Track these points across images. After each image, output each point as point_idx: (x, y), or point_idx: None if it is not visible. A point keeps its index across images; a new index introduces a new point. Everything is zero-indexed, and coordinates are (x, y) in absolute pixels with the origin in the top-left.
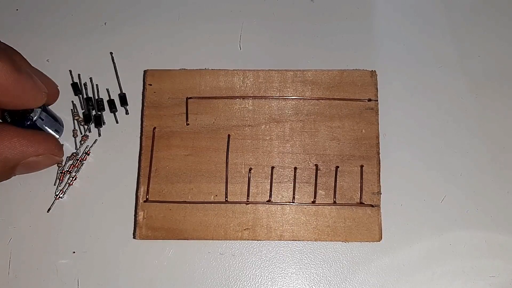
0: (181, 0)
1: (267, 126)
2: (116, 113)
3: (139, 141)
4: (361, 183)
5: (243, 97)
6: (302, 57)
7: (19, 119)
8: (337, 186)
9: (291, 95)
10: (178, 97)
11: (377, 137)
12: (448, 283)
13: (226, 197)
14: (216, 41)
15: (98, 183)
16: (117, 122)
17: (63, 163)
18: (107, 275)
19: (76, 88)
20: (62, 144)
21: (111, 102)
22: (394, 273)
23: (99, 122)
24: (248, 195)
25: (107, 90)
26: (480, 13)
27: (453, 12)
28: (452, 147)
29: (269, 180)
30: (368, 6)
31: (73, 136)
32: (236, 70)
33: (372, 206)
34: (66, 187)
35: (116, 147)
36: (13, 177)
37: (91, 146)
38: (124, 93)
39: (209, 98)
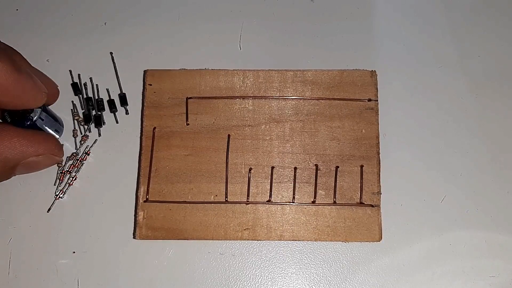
0: (181, 0)
1: (267, 126)
2: (116, 113)
3: (139, 141)
4: (361, 183)
5: (243, 97)
6: (302, 57)
7: (19, 119)
8: (337, 186)
9: (291, 95)
10: (178, 97)
11: (377, 137)
12: (448, 283)
13: (226, 197)
14: (216, 41)
15: (98, 183)
16: (117, 122)
17: (63, 163)
18: (107, 275)
19: (76, 88)
20: (62, 144)
21: (111, 102)
22: (394, 273)
23: (99, 122)
24: (248, 195)
25: (107, 90)
26: (480, 13)
27: (453, 12)
28: (452, 147)
29: (269, 180)
30: (368, 6)
31: (73, 136)
32: (236, 70)
33: (372, 206)
34: (66, 187)
35: (116, 147)
36: (13, 177)
37: (91, 146)
38: (124, 93)
39: (209, 98)
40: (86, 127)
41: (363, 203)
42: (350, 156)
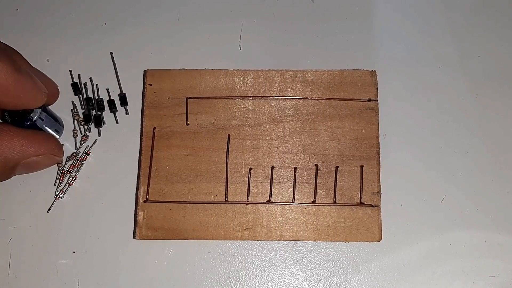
0: (181, 0)
1: (267, 126)
2: (116, 113)
3: (139, 141)
4: (361, 183)
5: (243, 97)
6: (302, 57)
7: (19, 119)
8: (337, 186)
9: (291, 95)
10: (178, 97)
11: (377, 137)
12: (448, 283)
13: (226, 197)
14: (216, 41)
15: (98, 183)
16: (117, 122)
17: (63, 163)
18: (107, 275)
19: (76, 88)
20: (62, 144)
21: (111, 102)
22: (394, 273)
23: (99, 122)
24: (248, 195)
25: (107, 90)
26: (480, 13)
27: (453, 12)
28: (452, 147)
29: (269, 180)
30: (368, 6)
31: (73, 136)
32: (236, 70)
33: (372, 206)
34: (66, 187)
35: (116, 147)
36: (13, 177)
37: (91, 146)
38: (124, 93)
39: (209, 98)
40: (86, 127)
41: (363, 203)
42: (350, 156)
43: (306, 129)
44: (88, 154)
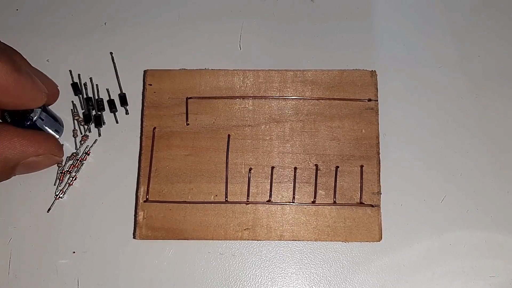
0: (181, 0)
1: (267, 126)
2: (116, 113)
3: (139, 141)
4: (361, 183)
5: (243, 97)
6: (302, 57)
7: (19, 119)
8: (337, 186)
9: (291, 95)
10: (178, 97)
11: (377, 137)
12: (448, 283)
13: (226, 197)
14: (216, 41)
15: (98, 183)
16: (117, 122)
17: (63, 163)
18: (107, 275)
19: (76, 88)
20: (62, 144)
21: (111, 102)
22: (394, 273)
23: (99, 122)
24: (248, 195)
25: (107, 90)
26: (480, 13)
27: (453, 12)
28: (452, 147)
29: (269, 180)
30: (368, 6)
31: (73, 136)
32: (236, 70)
33: (372, 206)
34: (66, 187)
35: (116, 147)
36: (13, 177)
37: (91, 146)
38: (124, 93)
39: (209, 98)
40: (86, 127)
41: (363, 203)
42: (350, 156)
43: (306, 129)
44: (88, 154)
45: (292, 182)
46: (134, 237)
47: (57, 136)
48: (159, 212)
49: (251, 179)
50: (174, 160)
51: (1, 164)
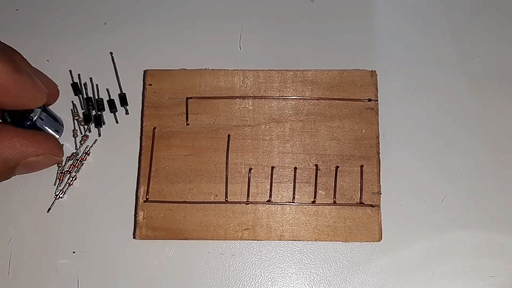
0: (181, 0)
1: (267, 126)
2: (116, 113)
3: (139, 141)
4: (361, 183)
5: (243, 97)
6: (302, 57)
7: (19, 119)
8: (337, 186)
9: (291, 95)
10: (178, 97)
11: (377, 137)
12: (448, 283)
13: (226, 197)
14: (216, 41)
15: (98, 183)
16: (117, 122)
17: (63, 163)
18: (107, 275)
19: (76, 88)
20: (62, 144)
21: (111, 102)
22: (394, 273)
23: (99, 122)
24: (248, 195)
25: (107, 90)
26: (480, 13)
27: (453, 12)
28: (452, 147)
29: (269, 180)
30: (368, 6)
31: (73, 136)
32: (236, 70)
33: (372, 206)
34: (66, 187)
35: (116, 147)
36: (13, 177)
37: (91, 146)
38: (124, 93)
39: (209, 98)
40: (86, 127)
41: (363, 203)
42: (350, 156)
43: (306, 129)
44: (88, 154)
45: (292, 182)
46: (134, 237)
47: (57, 136)
48: (159, 212)
49: (251, 179)
50: (174, 160)
51: (1, 164)
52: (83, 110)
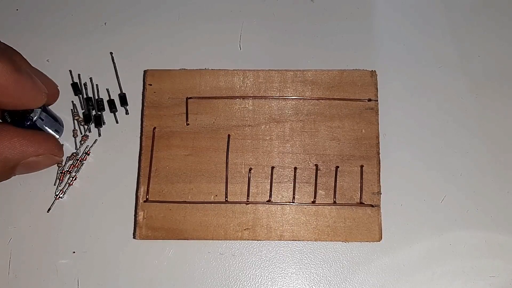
0: (181, 0)
1: (267, 126)
2: (116, 113)
3: (139, 141)
4: (361, 183)
5: (243, 97)
6: (302, 57)
7: (19, 119)
8: (337, 186)
9: (291, 95)
10: (178, 97)
11: (377, 137)
12: (448, 283)
13: (226, 197)
14: (216, 41)
15: (98, 183)
16: (117, 122)
17: (63, 163)
18: (107, 275)
19: (76, 88)
20: (62, 144)
21: (111, 102)
22: (394, 273)
23: (99, 122)
24: (248, 195)
25: (107, 90)
26: (480, 13)
27: (453, 12)
28: (452, 147)
29: (269, 180)
30: (368, 6)
31: (73, 136)
32: (236, 70)
33: (372, 206)
34: (66, 187)
35: (116, 147)
36: (13, 177)
37: (91, 146)
38: (124, 93)
39: (209, 98)
40: (86, 127)
41: (363, 203)
42: (350, 156)
43: (306, 129)
44: (88, 154)
45: (292, 182)
46: (134, 237)
47: (57, 136)
48: (159, 212)
49: (251, 179)
50: (174, 160)
51: (1, 164)
52: (83, 110)
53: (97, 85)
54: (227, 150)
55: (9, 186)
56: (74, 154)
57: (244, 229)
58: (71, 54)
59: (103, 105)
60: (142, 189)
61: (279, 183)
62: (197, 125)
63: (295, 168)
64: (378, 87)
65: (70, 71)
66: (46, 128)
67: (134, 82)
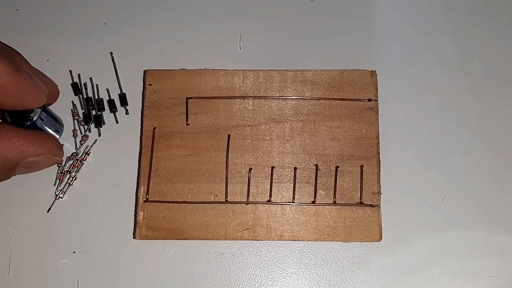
0: (181, 0)
1: (267, 126)
2: (116, 113)
3: (139, 141)
4: (361, 183)
5: (243, 97)
6: (302, 57)
7: (19, 119)
8: (337, 186)
9: (291, 95)
10: (178, 97)
11: (377, 137)
12: (448, 283)
13: (226, 197)
14: (216, 41)
15: (98, 183)
16: (117, 122)
17: (63, 163)
18: (107, 275)
19: (76, 88)
20: (62, 144)
21: (111, 102)
22: (394, 273)
23: (99, 122)
24: (248, 195)
25: (107, 90)
26: (480, 13)
27: (453, 12)
28: (452, 147)
29: (269, 180)
30: (368, 6)
31: (73, 136)
32: (236, 70)
33: (372, 206)
34: (66, 187)
35: (116, 147)
36: (13, 177)
37: (91, 146)
38: (124, 93)
39: (209, 98)
40: (86, 127)
41: (363, 203)
42: (350, 156)
43: (306, 129)
44: (88, 154)
45: (292, 182)
46: (134, 237)
47: (57, 136)
48: (159, 212)
49: (251, 179)
50: (174, 160)
51: (1, 164)
52: (83, 110)
53: (97, 85)
54: (227, 150)
55: (9, 186)
56: (74, 154)
57: (244, 229)
58: (71, 54)
59: (103, 105)
60: (142, 189)
61: (279, 183)
62: (197, 125)
63: (295, 168)
64: (378, 87)
65: (70, 71)
66: (46, 128)
67: (134, 82)
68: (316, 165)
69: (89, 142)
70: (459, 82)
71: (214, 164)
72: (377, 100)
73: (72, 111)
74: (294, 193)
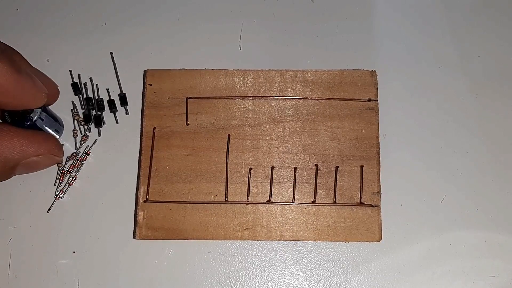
0: (181, 0)
1: (267, 126)
2: (116, 113)
3: (139, 141)
4: (361, 183)
5: (243, 97)
6: (302, 57)
7: (19, 119)
8: (337, 186)
9: (291, 95)
10: (178, 97)
11: (377, 137)
12: (448, 283)
13: (226, 197)
14: (216, 41)
15: (98, 183)
16: (117, 122)
17: (63, 163)
18: (107, 275)
19: (76, 88)
20: (62, 144)
21: (111, 102)
22: (394, 273)
23: (99, 122)
24: (248, 195)
25: (107, 90)
26: (480, 13)
27: (453, 12)
28: (452, 147)
29: (269, 180)
30: (368, 6)
31: (73, 136)
32: (236, 70)
33: (372, 206)
34: (66, 187)
35: (116, 147)
36: (13, 177)
37: (91, 146)
38: (124, 93)
39: (209, 98)
40: (86, 127)
41: (363, 203)
42: (350, 156)
43: (306, 129)
44: (88, 154)
45: (292, 182)
46: (134, 237)
47: (57, 136)
48: (159, 212)
49: (251, 179)
50: (174, 160)
51: (1, 164)
52: (83, 110)
53: (97, 85)
54: (227, 150)
55: (9, 186)
56: (74, 154)
57: (244, 229)
58: (71, 54)
59: (103, 105)
60: (142, 189)
61: (279, 183)
62: (197, 125)
63: (295, 168)
64: (378, 87)
65: (70, 71)
66: (46, 128)
67: (134, 82)
68: (316, 165)
69: (89, 142)
70: (459, 82)
71: (214, 164)
72: (377, 100)
73: (72, 111)
74: (294, 193)
